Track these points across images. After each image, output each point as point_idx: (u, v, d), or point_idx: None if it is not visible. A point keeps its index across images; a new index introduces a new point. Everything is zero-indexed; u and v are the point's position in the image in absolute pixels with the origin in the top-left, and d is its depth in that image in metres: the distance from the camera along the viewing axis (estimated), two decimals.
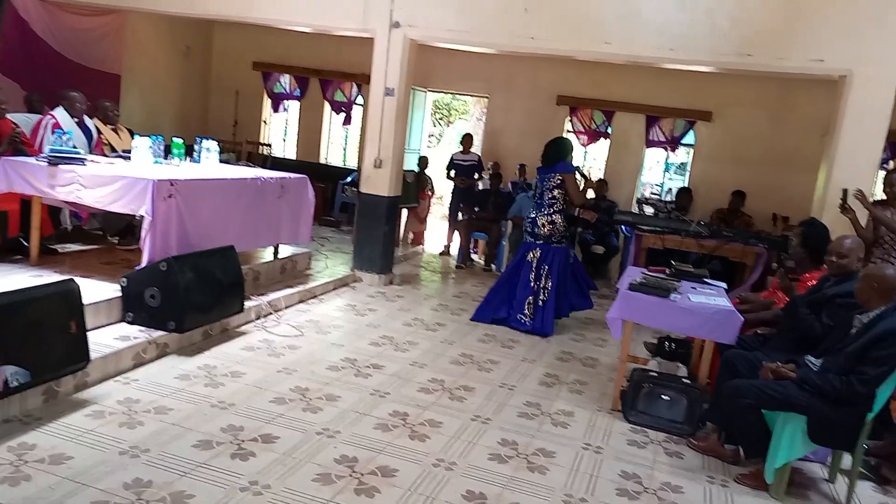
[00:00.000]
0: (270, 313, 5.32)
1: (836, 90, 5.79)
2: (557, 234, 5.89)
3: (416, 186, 8.67)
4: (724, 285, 4.86)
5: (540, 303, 5.85)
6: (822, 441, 3.34)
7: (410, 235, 9.23)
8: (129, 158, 5.34)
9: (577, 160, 6.61)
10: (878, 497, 3.57)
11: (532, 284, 5.87)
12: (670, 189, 10.29)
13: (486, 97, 10.23)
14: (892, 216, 5.18)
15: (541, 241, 5.90)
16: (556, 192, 5.82)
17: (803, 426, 3.29)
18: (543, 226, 5.87)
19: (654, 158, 11.32)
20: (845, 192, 5.16)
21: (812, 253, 4.30)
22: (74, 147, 4.98)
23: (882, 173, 8.24)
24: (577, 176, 5.91)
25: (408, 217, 8.94)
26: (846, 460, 3.57)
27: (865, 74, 5.42)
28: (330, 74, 10.36)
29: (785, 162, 8.63)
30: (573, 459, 3.57)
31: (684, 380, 4.15)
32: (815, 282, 4.17)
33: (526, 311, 5.85)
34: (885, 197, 5.34)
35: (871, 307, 3.30)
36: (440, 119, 21.53)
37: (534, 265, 5.89)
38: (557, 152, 5.90)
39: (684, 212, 8.02)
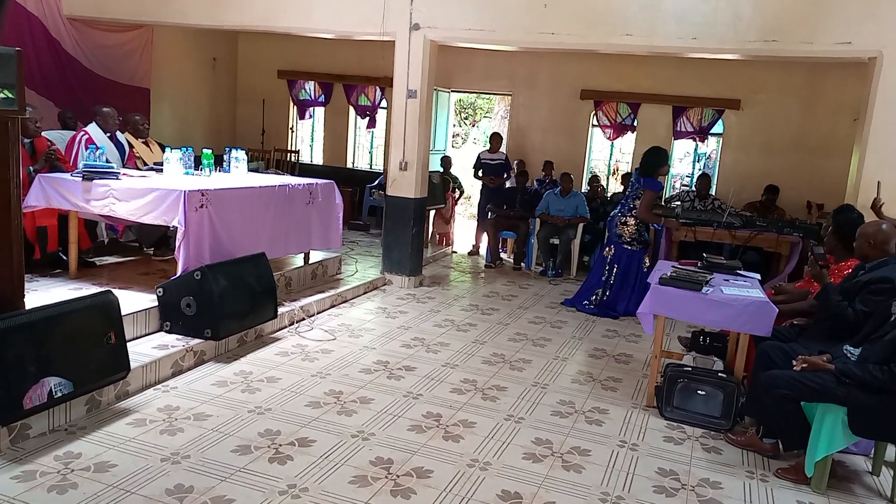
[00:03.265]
0: (303, 318, 5.39)
1: (866, 72, 5.65)
2: (629, 236, 6.36)
3: (441, 187, 8.69)
4: (758, 276, 4.78)
5: (605, 297, 6.42)
6: (864, 432, 3.27)
7: (438, 236, 9.25)
8: (160, 171, 5.45)
9: (674, 166, 6.88)
10: None
11: (602, 278, 6.46)
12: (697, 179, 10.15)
13: (510, 95, 10.20)
14: None
15: (615, 240, 6.45)
16: (637, 202, 6.30)
17: (843, 417, 3.23)
18: (618, 225, 6.42)
19: (683, 149, 11.16)
20: (879, 185, 5.03)
21: (845, 241, 4.21)
22: (108, 161, 5.10)
23: None
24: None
25: (434, 218, 8.97)
26: (890, 452, 3.50)
27: (895, 55, 5.29)
28: (353, 79, 10.44)
29: (817, 148, 8.45)
30: (609, 457, 3.55)
31: (720, 374, 4.10)
32: (850, 270, 4.09)
33: (592, 299, 6.47)
34: None
35: (869, 260, 3.23)
36: (465, 119, 21.55)
37: (607, 261, 6.47)
38: (650, 165, 6.30)
39: (706, 199, 7.90)
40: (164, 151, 5.67)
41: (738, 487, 3.35)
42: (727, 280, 4.48)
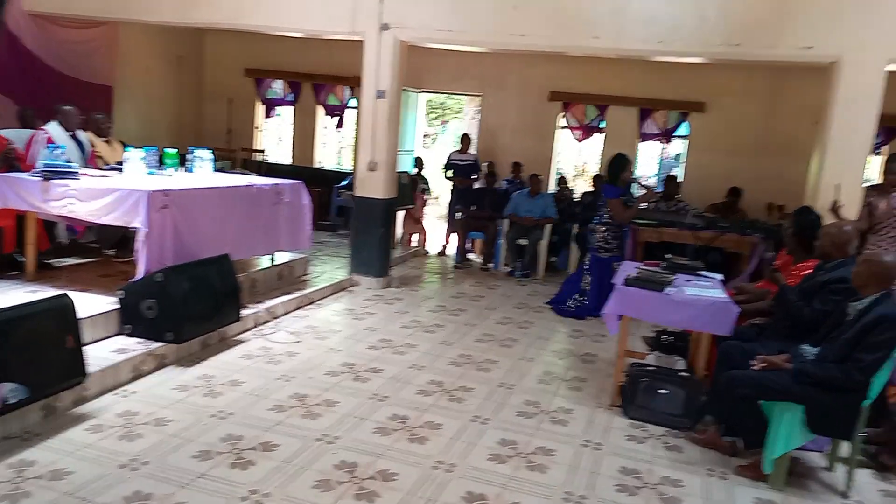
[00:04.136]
0: (268, 321, 5.33)
1: (827, 77, 5.78)
2: (598, 243, 6.42)
3: (410, 187, 8.67)
4: (720, 276, 4.86)
5: (585, 302, 6.46)
6: (820, 430, 3.35)
7: (407, 237, 9.23)
8: (122, 171, 5.35)
9: (642, 167, 6.95)
10: (877, 484, 3.58)
11: (581, 284, 6.55)
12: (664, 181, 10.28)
13: (480, 96, 10.23)
14: (886, 204, 5.19)
15: (591, 248, 6.56)
16: (607, 210, 6.37)
17: (801, 416, 3.29)
18: (593, 233, 6.54)
19: (649, 152, 11.31)
20: (837, 188, 5.16)
21: (805, 242, 4.30)
22: (68, 161, 4.99)
23: (877, 158, 8.29)
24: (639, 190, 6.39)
25: (404, 218, 8.94)
26: (845, 448, 3.58)
27: (855, 60, 5.42)
28: (322, 78, 10.37)
29: (779, 150, 8.63)
30: (573, 457, 3.58)
31: (682, 373, 4.16)
32: (809, 270, 4.18)
33: (570, 304, 6.54)
34: (882, 182, 5.34)
35: (867, 293, 3.30)
36: (435, 119, 21.54)
37: (585, 267, 6.59)
38: (612, 172, 6.41)
39: (671, 200, 8.01)
40: (126, 151, 5.56)
41: (698, 485, 3.40)
42: (689, 281, 4.55)
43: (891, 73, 5.41)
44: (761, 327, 4.22)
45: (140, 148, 5.44)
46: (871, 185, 5.46)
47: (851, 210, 5.31)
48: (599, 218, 6.47)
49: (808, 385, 3.27)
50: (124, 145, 6.23)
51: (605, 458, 3.61)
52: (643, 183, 6.36)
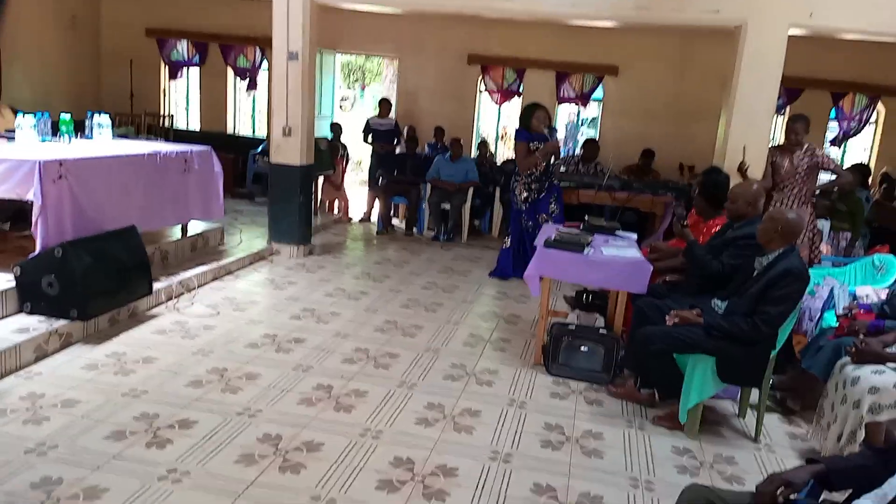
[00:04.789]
0: (182, 293, 5.12)
1: (733, 41, 5.97)
2: (525, 190, 6.31)
3: (329, 153, 8.46)
4: (635, 236, 5.00)
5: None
6: (731, 379, 3.52)
7: (328, 204, 9.05)
8: (12, 139, 4.95)
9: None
10: (784, 427, 3.81)
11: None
12: (581, 144, 10.48)
13: (397, 58, 10.04)
14: (790, 163, 5.44)
15: (513, 205, 6.50)
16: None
17: (712, 367, 3.45)
18: (514, 192, 6.42)
19: (566, 114, 11.46)
20: (744, 149, 5.36)
21: (713, 200, 4.46)
22: None
23: (780, 119, 8.70)
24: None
25: (323, 185, 8.74)
26: (754, 395, 3.78)
27: (759, 24, 5.61)
28: (230, 39, 9.91)
29: (688, 113, 8.91)
30: (498, 416, 3.63)
31: (601, 330, 4.27)
32: (717, 228, 4.35)
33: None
34: (784, 142, 5.59)
35: (772, 248, 3.45)
36: (355, 82, 21.07)
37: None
38: (522, 118, 6.35)
39: (591, 163, 8.17)
40: (17, 117, 5.15)
41: (618, 437, 3.52)
42: (607, 241, 4.65)
43: (792, 36, 5.63)
44: (673, 284, 4.37)
45: (31, 114, 5.04)
46: (775, 146, 5.71)
47: (757, 170, 5.54)
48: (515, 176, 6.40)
49: (718, 338, 3.42)
50: (15, 112, 5.77)
51: (530, 415, 3.68)
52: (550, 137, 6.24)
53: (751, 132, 5.54)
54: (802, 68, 7.37)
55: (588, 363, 4.16)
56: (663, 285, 4.31)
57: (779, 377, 3.98)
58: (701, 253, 3.98)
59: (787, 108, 8.74)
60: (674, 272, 4.50)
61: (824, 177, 6.28)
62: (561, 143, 6.27)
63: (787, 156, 5.49)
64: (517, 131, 6.39)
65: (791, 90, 8.48)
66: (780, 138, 8.32)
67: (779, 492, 1.98)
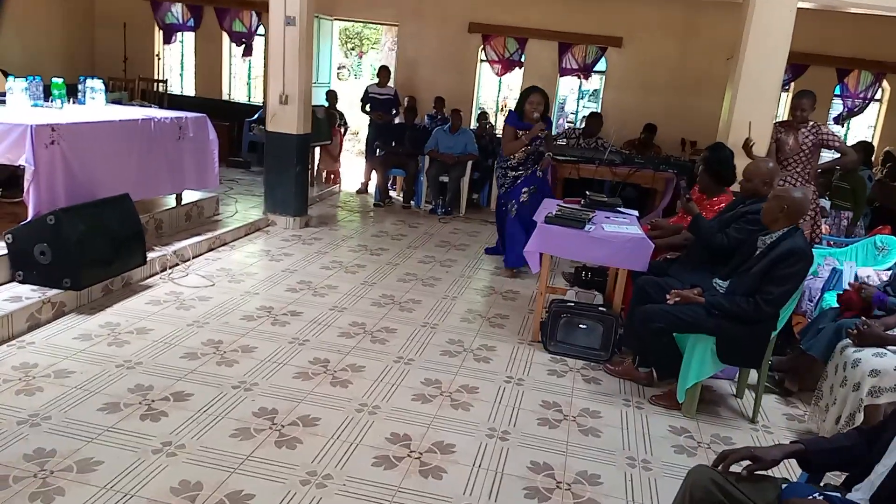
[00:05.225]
0: (177, 264, 5.05)
1: (740, 13, 5.85)
2: (511, 172, 5.82)
3: (327, 122, 8.34)
4: (636, 213, 4.94)
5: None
6: (730, 360, 3.49)
7: (325, 174, 8.95)
8: (3, 103, 4.84)
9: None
10: (782, 409, 3.80)
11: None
12: (584, 118, 10.36)
13: (396, 25, 9.85)
14: (794, 140, 5.36)
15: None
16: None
17: (712, 347, 3.42)
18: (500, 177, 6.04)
19: (568, 86, 11.32)
20: (749, 125, 5.26)
21: (718, 177, 4.40)
22: None
23: (784, 95, 8.59)
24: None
25: (320, 155, 8.64)
26: (752, 376, 3.76)
27: None
28: (226, 2, 9.73)
29: (692, 86, 8.80)
30: (495, 393, 3.60)
31: (600, 308, 4.24)
32: (722, 205, 4.29)
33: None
34: (789, 118, 5.50)
35: (776, 228, 3.39)
36: (352, 49, 20.75)
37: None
38: (517, 103, 5.90)
39: (592, 137, 8.06)
40: (7, 80, 5.03)
41: (615, 415, 3.50)
42: (608, 217, 4.59)
43: (798, 10, 5.51)
44: (672, 262, 4.32)
45: (22, 77, 4.92)
46: (780, 122, 5.62)
47: (762, 147, 5.46)
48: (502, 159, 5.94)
49: (719, 318, 3.39)
50: (5, 74, 5.64)
51: (527, 392, 3.65)
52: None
53: (756, 108, 5.44)
54: (808, 44, 7.26)
55: (586, 341, 4.13)
56: (664, 263, 4.27)
57: (778, 358, 3.95)
58: (707, 225, 3.93)
59: (792, 84, 8.63)
60: (674, 249, 4.46)
61: (826, 154, 6.21)
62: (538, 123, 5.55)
63: (792, 133, 5.41)
64: (509, 113, 6.03)
65: (796, 66, 8.36)
66: (784, 115, 8.22)
67: (745, 465, 1.96)
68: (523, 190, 5.69)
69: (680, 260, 4.27)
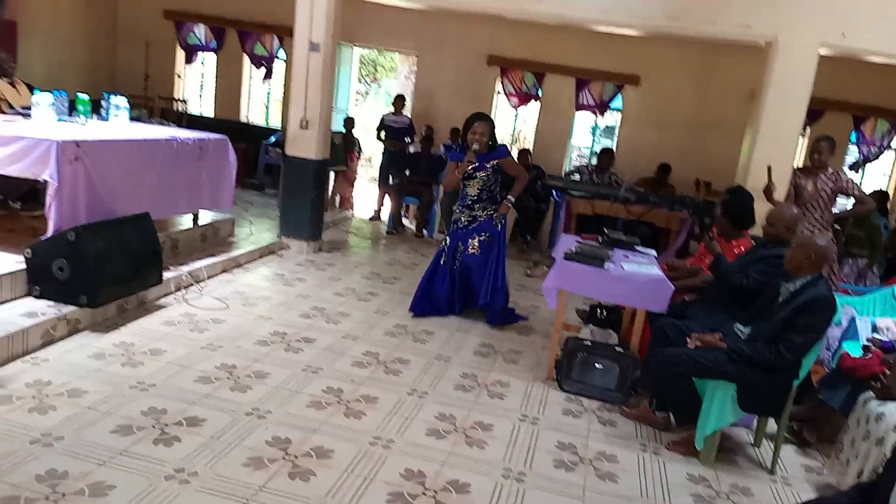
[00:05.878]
0: (192, 284, 5.04)
1: (762, 56, 5.89)
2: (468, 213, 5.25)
3: (343, 148, 8.39)
4: (654, 252, 4.92)
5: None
6: (751, 408, 3.44)
7: (339, 200, 8.97)
8: (29, 116, 4.88)
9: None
10: (800, 459, 3.73)
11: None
12: (596, 152, 10.39)
13: (416, 55, 9.95)
14: (814, 186, 5.36)
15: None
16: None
17: (733, 394, 3.37)
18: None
19: (583, 123, 11.38)
20: (769, 170, 5.26)
21: (736, 220, 4.38)
22: None
23: (800, 140, 8.61)
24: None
25: (335, 180, 8.67)
26: (770, 424, 3.71)
27: (790, 41, 5.55)
28: (248, 26, 9.83)
29: (708, 127, 8.84)
30: (510, 432, 3.55)
31: (617, 348, 4.20)
32: (740, 249, 4.27)
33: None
34: (808, 163, 5.50)
35: (801, 275, 3.37)
36: (366, 75, 20.95)
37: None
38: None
39: (605, 172, 8.07)
40: (32, 94, 5.08)
41: (632, 460, 3.44)
42: (626, 256, 4.58)
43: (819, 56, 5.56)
44: (690, 303, 4.29)
45: (48, 91, 4.96)
46: (799, 168, 5.63)
47: (780, 191, 5.46)
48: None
49: (740, 364, 3.35)
50: (31, 88, 5.69)
51: (543, 432, 3.60)
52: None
53: (776, 152, 5.46)
54: (825, 90, 7.29)
55: (602, 381, 4.08)
56: (682, 304, 4.24)
57: (796, 407, 3.90)
58: (728, 265, 3.91)
59: (808, 130, 8.66)
60: (692, 291, 4.43)
61: (839, 201, 6.21)
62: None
63: (812, 178, 5.41)
64: (454, 148, 5.50)
65: (812, 111, 8.36)
66: (800, 159, 8.24)
67: None
68: (473, 237, 5.10)
69: (698, 302, 4.24)
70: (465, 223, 5.16)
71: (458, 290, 5.24)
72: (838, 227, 6.39)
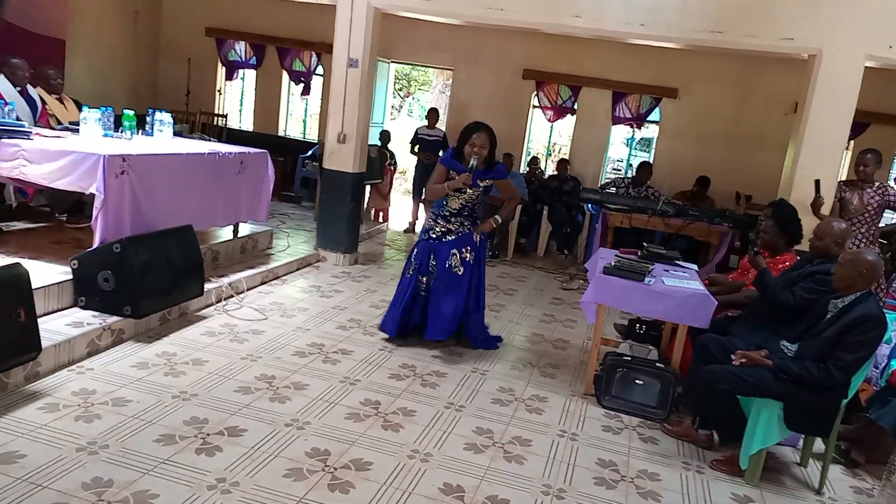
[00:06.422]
0: (232, 296, 5.11)
1: (805, 68, 5.79)
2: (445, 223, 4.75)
3: (379, 161, 8.45)
4: (695, 267, 4.84)
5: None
6: (798, 427, 3.35)
7: (374, 212, 9.03)
8: (76, 131, 5.02)
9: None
10: (848, 480, 3.62)
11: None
12: (632, 164, 10.29)
13: (451, 69, 10.01)
14: (860, 199, 5.23)
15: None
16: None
17: (779, 412, 3.29)
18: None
19: (618, 135, 11.30)
20: (817, 183, 5.14)
21: (784, 235, 4.29)
22: (18, 119, 4.65)
23: (844, 153, 8.42)
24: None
25: (370, 193, 8.74)
26: (817, 444, 3.60)
27: (834, 54, 5.43)
28: (288, 42, 10.00)
29: (748, 140, 8.69)
30: (549, 447, 3.51)
31: (657, 364, 4.13)
32: (785, 264, 4.18)
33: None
34: (854, 177, 5.38)
35: (851, 292, 3.28)
36: (399, 90, 21.14)
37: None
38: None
39: (642, 186, 7.98)
40: (80, 110, 5.22)
41: (675, 479, 3.37)
42: (667, 270, 4.51)
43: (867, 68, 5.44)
44: (732, 319, 4.21)
45: (95, 108, 5.10)
46: (844, 181, 5.51)
47: (826, 205, 5.34)
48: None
49: (787, 382, 3.26)
50: (78, 104, 5.86)
51: (582, 449, 3.55)
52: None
53: (820, 165, 5.35)
54: (870, 102, 7.12)
55: (643, 398, 4.02)
56: (725, 320, 4.15)
57: (844, 426, 3.78)
58: (773, 281, 3.81)
59: (852, 143, 8.46)
60: (735, 307, 4.34)
61: (886, 214, 6.04)
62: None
63: (857, 192, 5.28)
64: (446, 151, 5.05)
65: (857, 124, 8.16)
66: (845, 173, 8.05)
67: None
68: (452, 252, 4.57)
69: (742, 318, 4.15)
70: (440, 233, 4.64)
71: (420, 308, 4.71)
72: (884, 242, 6.23)
